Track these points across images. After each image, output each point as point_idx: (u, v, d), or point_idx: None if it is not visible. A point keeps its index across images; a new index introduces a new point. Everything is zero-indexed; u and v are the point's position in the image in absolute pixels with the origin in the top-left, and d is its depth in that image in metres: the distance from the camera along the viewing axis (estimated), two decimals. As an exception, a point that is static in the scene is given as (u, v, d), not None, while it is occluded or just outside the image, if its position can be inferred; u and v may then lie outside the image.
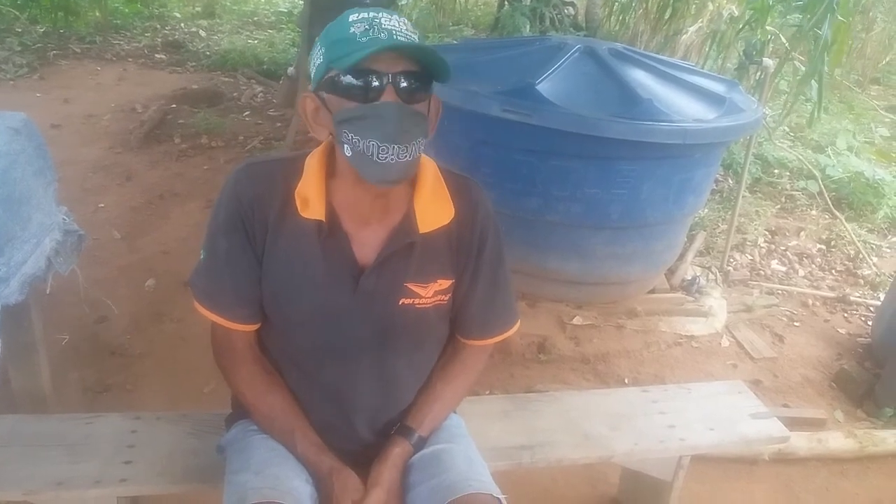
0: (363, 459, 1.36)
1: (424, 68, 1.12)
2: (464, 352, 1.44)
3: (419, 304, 1.29)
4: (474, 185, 1.34)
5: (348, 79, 1.09)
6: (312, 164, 1.23)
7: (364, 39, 1.07)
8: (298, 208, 1.22)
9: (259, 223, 1.24)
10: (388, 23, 1.09)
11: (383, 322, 1.29)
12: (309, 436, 1.31)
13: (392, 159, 1.10)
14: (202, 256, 1.30)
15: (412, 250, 1.26)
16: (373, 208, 1.23)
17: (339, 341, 1.29)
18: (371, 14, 1.10)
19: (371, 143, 1.09)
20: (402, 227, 1.25)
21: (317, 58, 1.14)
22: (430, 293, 1.29)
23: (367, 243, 1.25)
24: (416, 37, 1.11)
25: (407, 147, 1.11)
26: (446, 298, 1.33)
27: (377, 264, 1.25)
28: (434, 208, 1.26)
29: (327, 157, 1.24)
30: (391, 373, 1.34)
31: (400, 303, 1.27)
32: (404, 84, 1.09)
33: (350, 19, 1.11)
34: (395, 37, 1.08)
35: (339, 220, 1.24)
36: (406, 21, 1.13)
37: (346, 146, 1.13)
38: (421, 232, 1.25)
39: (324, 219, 1.22)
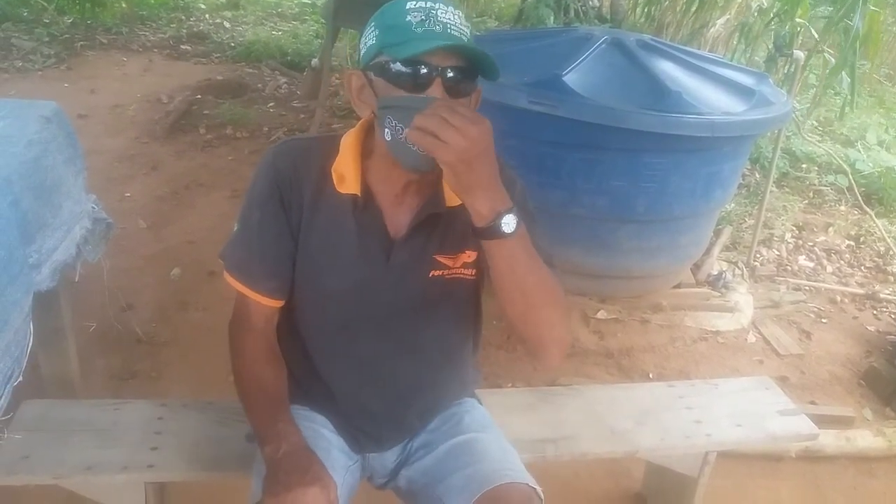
0: (385, 437, 1.40)
1: (474, 64, 1.12)
2: None
3: (448, 275, 1.30)
4: (507, 165, 1.32)
5: (398, 67, 1.10)
6: (348, 143, 1.25)
7: (420, 30, 1.08)
8: (335, 184, 1.24)
9: (296, 197, 1.26)
10: (444, 15, 1.10)
11: (415, 293, 1.30)
12: (291, 420, 1.27)
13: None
14: (236, 228, 1.32)
15: (438, 222, 1.28)
16: (406, 187, 1.25)
17: (371, 313, 1.31)
18: (429, 4, 1.10)
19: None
20: (429, 201, 1.27)
21: (368, 38, 1.15)
22: (458, 264, 1.30)
23: (398, 218, 1.27)
24: (468, 31, 1.12)
25: None
26: (473, 272, 1.33)
27: (407, 236, 1.27)
28: None
29: (363, 136, 1.26)
30: (421, 346, 1.35)
31: (430, 275, 1.29)
32: (452, 79, 1.10)
33: (407, 6, 1.10)
34: (449, 30, 1.09)
35: (373, 196, 1.26)
36: (460, 14, 1.13)
37: (386, 130, 1.13)
38: (448, 206, 1.26)
39: (359, 193, 1.24)
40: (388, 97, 1.12)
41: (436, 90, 1.09)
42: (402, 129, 1.10)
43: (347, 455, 1.38)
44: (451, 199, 1.26)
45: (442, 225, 1.28)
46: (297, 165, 1.26)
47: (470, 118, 1.01)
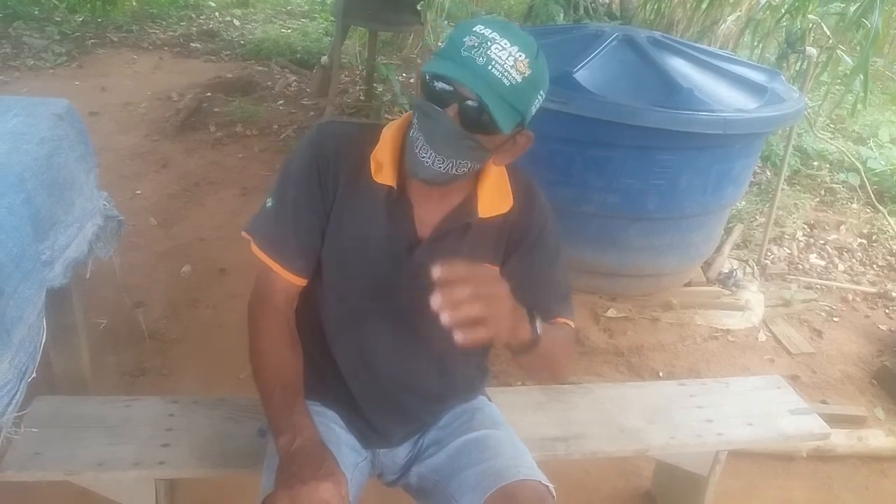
0: (396, 433, 1.41)
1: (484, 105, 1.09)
2: None
3: None
4: (534, 181, 1.37)
5: (429, 78, 1.12)
6: (389, 134, 1.27)
7: (464, 54, 1.06)
8: (372, 172, 1.25)
9: (332, 177, 1.27)
10: (497, 52, 1.06)
11: (428, 295, 1.29)
12: (307, 413, 1.25)
13: (427, 161, 1.14)
14: (269, 204, 1.32)
15: (467, 232, 1.29)
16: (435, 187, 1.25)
17: (387, 306, 1.32)
18: (493, 35, 1.07)
19: (420, 136, 1.14)
20: (462, 208, 1.28)
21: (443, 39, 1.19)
22: None
23: (427, 217, 1.28)
24: (519, 79, 1.07)
25: (444, 160, 1.14)
26: None
27: (433, 239, 1.28)
28: (495, 197, 1.29)
29: (405, 129, 1.26)
30: (434, 344, 1.34)
31: None
32: (467, 114, 1.10)
33: (475, 27, 1.08)
34: (490, 68, 1.06)
35: (406, 190, 1.27)
36: (524, 59, 1.07)
37: (412, 128, 1.17)
38: (480, 216, 1.27)
39: (394, 185, 1.25)
40: (420, 99, 1.15)
41: (451, 112, 1.10)
42: (417, 131, 1.14)
43: (357, 452, 1.39)
44: (485, 209, 1.28)
45: (472, 234, 1.29)
46: (338, 147, 1.27)
47: (490, 293, 1.01)
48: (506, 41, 1.06)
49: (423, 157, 1.14)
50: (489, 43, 1.06)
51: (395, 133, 1.26)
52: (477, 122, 1.10)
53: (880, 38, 4.47)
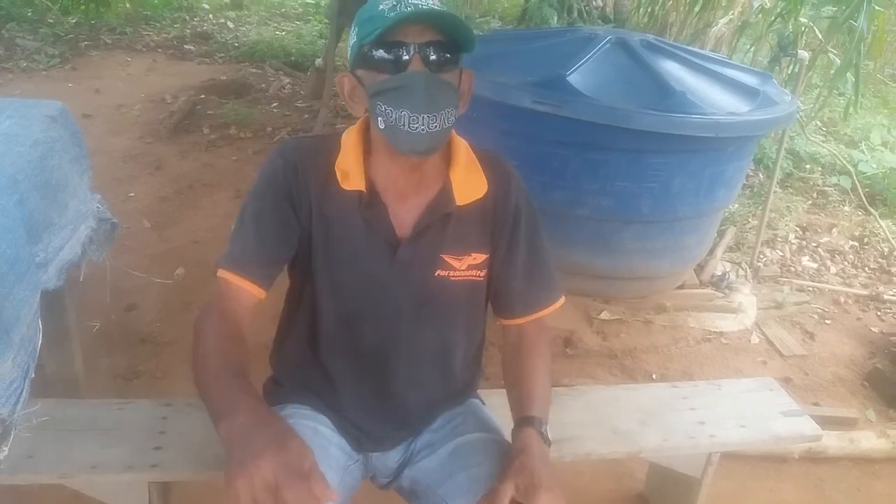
0: (387, 436, 1.41)
1: (450, 38, 1.15)
2: (520, 336, 1.42)
3: (453, 276, 1.31)
4: (504, 160, 1.38)
5: (378, 52, 1.13)
6: (349, 140, 1.27)
7: (391, 14, 1.10)
8: (339, 181, 1.25)
9: (304, 191, 1.26)
10: None
11: (419, 292, 1.31)
12: (254, 393, 1.10)
13: (423, 129, 1.14)
14: (233, 227, 1.30)
15: (448, 222, 1.29)
16: (409, 182, 1.26)
17: (376, 309, 1.31)
18: None
19: (403, 112, 1.13)
20: (438, 199, 1.28)
21: (351, 38, 1.19)
22: (463, 266, 1.31)
23: (404, 215, 1.28)
24: (441, 9, 1.14)
25: (436, 116, 1.14)
26: (481, 274, 1.35)
27: (415, 235, 1.28)
28: (469, 182, 1.30)
29: (363, 133, 1.28)
30: (424, 345, 1.36)
31: (436, 274, 1.30)
32: (431, 53, 1.13)
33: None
34: (420, 8, 1.11)
35: (378, 192, 1.27)
36: None
37: (379, 119, 1.16)
38: (458, 203, 1.28)
39: (364, 189, 1.25)
40: (375, 83, 1.15)
41: (416, 67, 1.12)
42: (393, 112, 1.13)
43: (347, 454, 1.38)
44: (461, 197, 1.28)
45: (453, 224, 1.30)
46: (302, 162, 1.27)
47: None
48: None
49: (417, 128, 1.13)
50: None
51: (354, 138, 1.27)
52: (441, 59, 1.14)
53: (878, 43, 4.48)
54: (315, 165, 1.27)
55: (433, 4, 1.13)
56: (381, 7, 1.12)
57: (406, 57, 1.12)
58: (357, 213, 1.26)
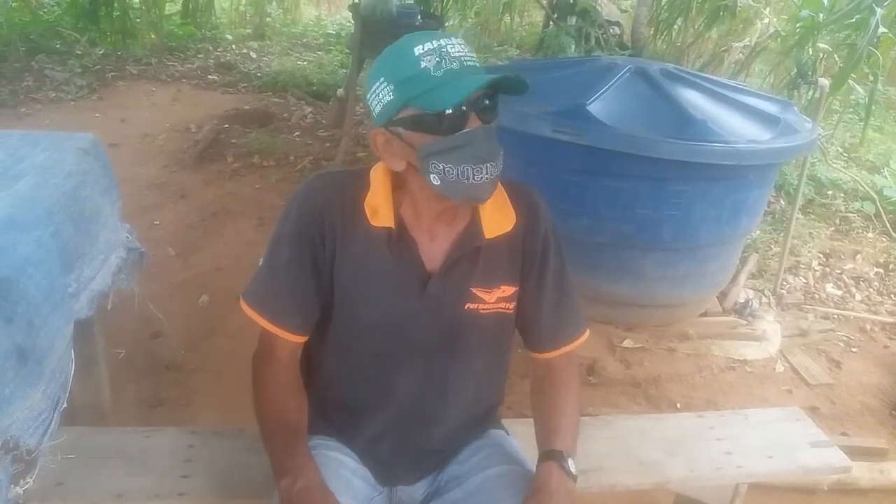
0: (413, 469, 1.40)
1: (498, 87, 1.15)
2: (549, 369, 1.42)
3: (483, 309, 1.31)
4: (530, 190, 1.38)
5: (435, 116, 1.11)
6: (378, 177, 1.27)
7: (439, 74, 1.09)
8: (368, 217, 1.25)
9: (328, 230, 1.27)
10: (454, 50, 1.11)
11: (449, 326, 1.31)
12: (309, 455, 1.28)
13: (487, 178, 1.15)
14: (261, 263, 1.33)
15: (478, 255, 1.29)
16: (439, 219, 1.27)
17: (405, 345, 1.31)
18: (436, 43, 1.10)
19: (465, 168, 1.13)
20: (467, 233, 1.28)
21: (384, 94, 1.14)
22: (493, 299, 1.31)
23: (433, 251, 1.29)
24: (475, 56, 1.14)
25: (496, 163, 1.16)
26: (510, 307, 1.35)
27: (445, 269, 1.28)
28: (497, 215, 1.30)
29: (392, 170, 1.27)
30: (453, 378, 1.36)
31: (466, 307, 1.30)
32: (485, 109, 1.13)
33: (416, 52, 1.10)
34: (465, 63, 1.11)
35: (407, 229, 1.27)
36: (462, 41, 1.14)
37: (432, 176, 1.15)
38: (487, 237, 1.28)
39: (393, 226, 1.25)
40: (430, 144, 1.13)
41: (473, 124, 1.12)
42: (454, 169, 1.13)
43: (372, 486, 1.38)
44: (490, 230, 1.28)
45: (483, 258, 1.30)
46: (329, 199, 1.27)
47: None
48: (444, 39, 1.12)
49: (482, 178, 1.14)
50: (444, 50, 1.10)
51: (383, 175, 1.27)
52: (495, 112, 1.16)
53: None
54: (342, 204, 1.27)
55: (471, 54, 1.12)
56: (423, 65, 1.09)
57: (466, 119, 1.12)
58: (385, 249, 1.26)
